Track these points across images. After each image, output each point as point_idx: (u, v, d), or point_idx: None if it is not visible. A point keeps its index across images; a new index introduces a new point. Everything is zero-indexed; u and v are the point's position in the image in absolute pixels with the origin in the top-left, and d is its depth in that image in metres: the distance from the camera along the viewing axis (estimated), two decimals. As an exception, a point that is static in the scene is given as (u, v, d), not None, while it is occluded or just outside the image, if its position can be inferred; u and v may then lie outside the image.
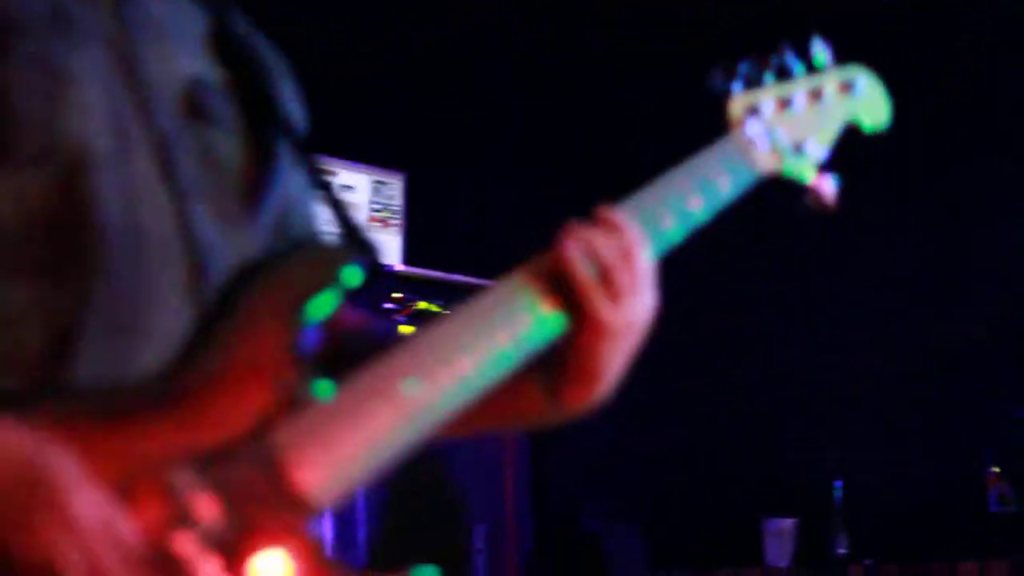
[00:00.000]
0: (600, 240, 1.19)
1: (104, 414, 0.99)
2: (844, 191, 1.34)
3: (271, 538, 1.01)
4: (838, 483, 4.53)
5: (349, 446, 1.06)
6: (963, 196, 4.61)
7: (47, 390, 1.01)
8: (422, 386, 1.09)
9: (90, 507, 0.95)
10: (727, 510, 4.73)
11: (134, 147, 1.09)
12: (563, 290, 1.18)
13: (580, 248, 1.18)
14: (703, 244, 1.31)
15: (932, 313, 4.63)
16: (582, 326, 1.18)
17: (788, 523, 4.60)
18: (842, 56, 1.40)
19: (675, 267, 1.26)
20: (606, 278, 1.18)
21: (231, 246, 1.14)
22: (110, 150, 1.07)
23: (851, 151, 1.38)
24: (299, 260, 1.11)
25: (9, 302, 1.02)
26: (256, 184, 1.19)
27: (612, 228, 1.20)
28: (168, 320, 1.08)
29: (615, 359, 1.21)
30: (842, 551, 4.53)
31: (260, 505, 1.01)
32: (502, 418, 1.23)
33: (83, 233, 1.04)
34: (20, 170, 1.02)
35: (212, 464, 1.01)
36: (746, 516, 4.64)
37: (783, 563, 4.58)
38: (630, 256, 1.19)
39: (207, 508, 0.99)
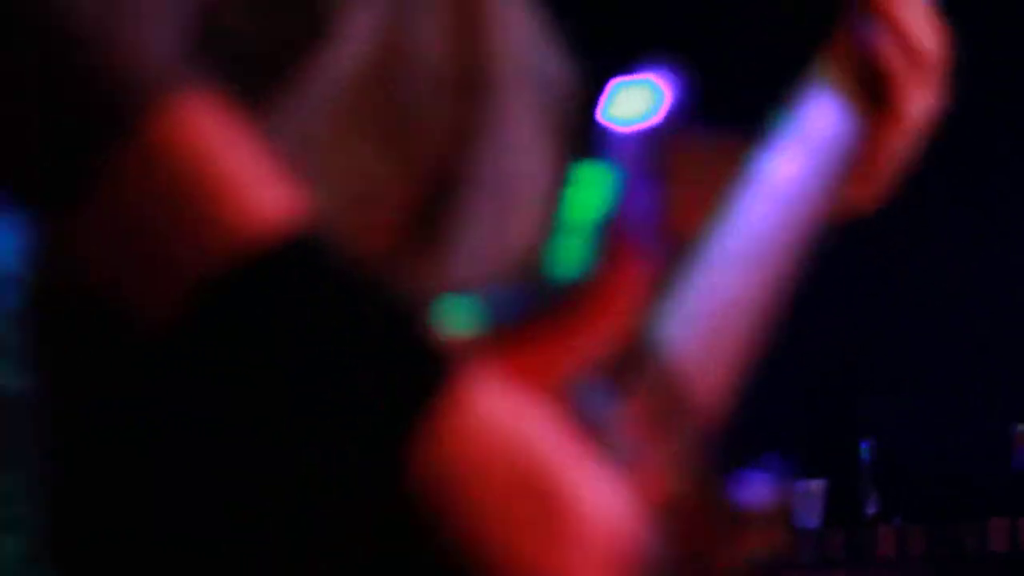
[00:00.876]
0: (906, 16, 1.12)
1: (514, 317, 0.79)
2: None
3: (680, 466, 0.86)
4: (865, 443, 4.55)
5: (730, 329, 0.93)
6: None
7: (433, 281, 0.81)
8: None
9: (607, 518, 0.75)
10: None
11: None
12: (865, 80, 1.12)
13: (887, 28, 1.12)
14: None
15: (965, 275, 4.67)
16: (883, 119, 1.13)
17: (817, 484, 4.61)
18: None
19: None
20: (915, 61, 1.12)
21: (558, 76, 1.02)
22: None
23: None
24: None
25: (360, 170, 0.84)
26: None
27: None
28: (531, 172, 0.93)
29: (901, 156, 1.16)
30: (871, 511, 4.54)
31: (668, 428, 0.87)
32: None
33: (424, 83, 0.87)
34: (356, 18, 0.85)
35: (611, 376, 0.84)
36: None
37: (812, 524, 4.58)
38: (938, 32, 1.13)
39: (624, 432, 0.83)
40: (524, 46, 0.95)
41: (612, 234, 0.83)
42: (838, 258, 4.80)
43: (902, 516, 4.48)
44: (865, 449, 4.55)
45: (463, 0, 0.90)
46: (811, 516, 4.59)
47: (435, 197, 0.85)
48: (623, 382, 0.84)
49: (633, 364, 0.85)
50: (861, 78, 1.11)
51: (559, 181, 0.93)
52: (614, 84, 0.89)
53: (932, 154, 1.20)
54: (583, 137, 0.93)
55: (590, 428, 0.78)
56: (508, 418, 0.72)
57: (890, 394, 4.69)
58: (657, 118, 0.88)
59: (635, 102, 0.87)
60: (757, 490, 0.92)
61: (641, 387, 0.86)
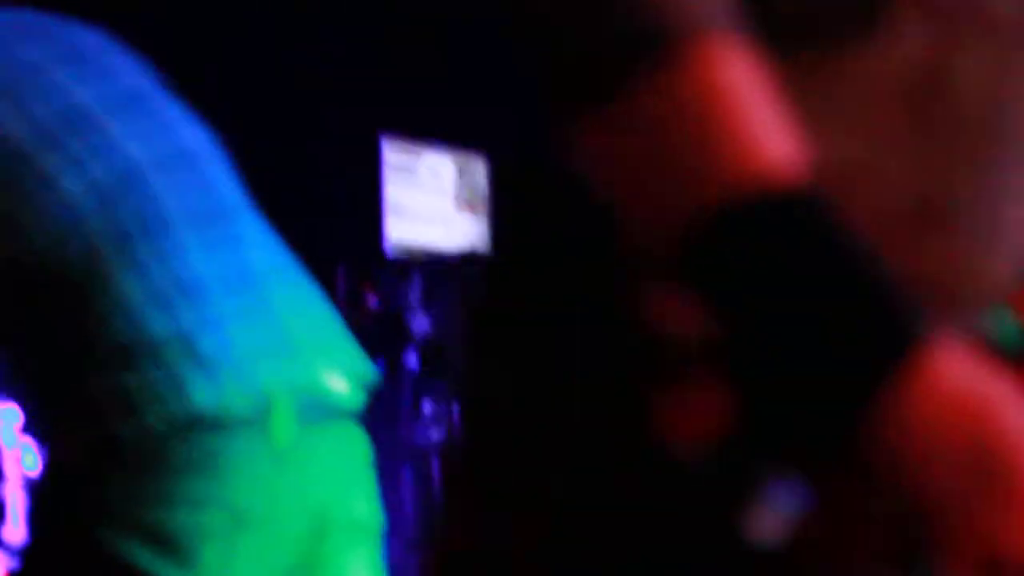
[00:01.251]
0: None
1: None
2: None
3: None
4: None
5: None
6: None
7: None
8: None
9: None
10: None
11: None
12: None
13: None
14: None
15: None
16: None
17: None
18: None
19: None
20: None
21: None
22: None
23: None
24: None
25: (884, 148, 0.88)
26: None
27: None
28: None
29: None
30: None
31: None
32: None
33: (944, 104, 0.90)
34: (910, 23, 0.89)
35: None
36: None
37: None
38: None
39: None
40: None
41: None
42: None
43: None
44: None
45: (1004, 44, 0.92)
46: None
47: (936, 202, 0.89)
48: None
49: None
50: None
51: None
52: None
53: None
54: None
55: None
56: (969, 387, 0.76)
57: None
58: None
59: None
60: None
61: None
